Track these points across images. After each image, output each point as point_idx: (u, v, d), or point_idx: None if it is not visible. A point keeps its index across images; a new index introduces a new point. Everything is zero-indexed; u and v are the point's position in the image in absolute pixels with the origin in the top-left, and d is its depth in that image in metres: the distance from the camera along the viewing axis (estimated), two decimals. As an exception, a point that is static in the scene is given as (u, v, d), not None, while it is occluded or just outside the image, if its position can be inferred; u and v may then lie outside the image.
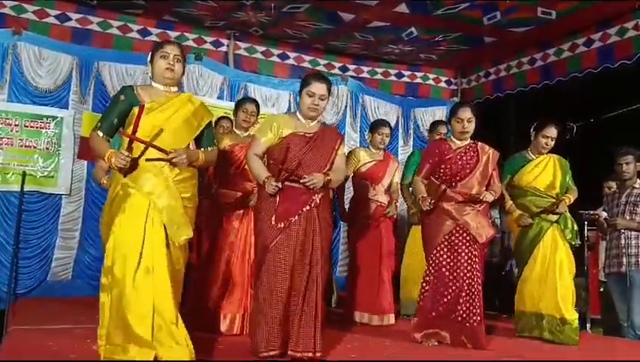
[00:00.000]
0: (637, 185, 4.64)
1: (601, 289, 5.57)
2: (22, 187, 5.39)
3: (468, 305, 3.89)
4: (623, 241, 4.56)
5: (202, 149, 3.12)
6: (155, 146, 2.83)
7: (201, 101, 3.20)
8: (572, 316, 4.22)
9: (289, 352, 3.18)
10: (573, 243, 4.38)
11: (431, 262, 3.97)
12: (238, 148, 4.22)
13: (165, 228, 2.85)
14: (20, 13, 5.69)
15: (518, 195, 4.47)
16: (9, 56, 5.55)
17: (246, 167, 4.09)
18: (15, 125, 5.53)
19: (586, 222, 5.69)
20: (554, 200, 4.34)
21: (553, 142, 4.44)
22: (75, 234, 5.73)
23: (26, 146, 5.57)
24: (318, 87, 3.36)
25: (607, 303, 4.93)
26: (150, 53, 3.09)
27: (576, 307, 5.19)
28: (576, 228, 4.42)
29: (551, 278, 4.27)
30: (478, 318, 3.88)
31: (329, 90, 3.42)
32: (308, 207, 3.27)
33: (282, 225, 3.23)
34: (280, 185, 3.23)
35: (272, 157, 3.35)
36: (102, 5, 5.95)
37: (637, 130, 5.57)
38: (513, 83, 6.93)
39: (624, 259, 4.53)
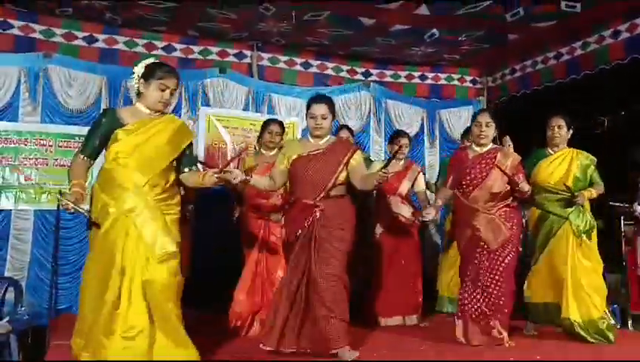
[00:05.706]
0: (670, 177, 4.53)
1: (641, 285, 5.42)
2: (58, 206, 5.48)
3: (489, 304, 4.01)
4: (660, 235, 4.45)
5: (186, 170, 3.18)
6: None
7: (182, 121, 3.26)
8: (596, 315, 4.14)
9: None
10: (584, 236, 4.22)
11: (461, 266, 4.20)
12: (264, 168, 4.35)
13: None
14: (50, 37, 5.85)
15: (536, 192, 4.41)
16: (40, 79, 5.71)
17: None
18: (49, 145, 5.70)
19: (622, 216, 5.55)
20: (568, 195, 4.25)
21: (562, 131, 4.41)
22: (110, 249, 5.83)
23: (60, 165, 5.71)
24: (317, 109, 3.69)
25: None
26: (143, 71, 3.11)
27: (616, 304, 5.04)
28: (593, 223, 4.26)
29: (562, 278, 4.20)
30: (499, 315, 3.99)
31: (330, 109, 3.71)
32: (310, 221, 3.58)
33: (291, 239, 3.68)
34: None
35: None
36: (127, 25, 6.09)
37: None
38: (539, 79, 6.78)
39: (662, 254, 4.41)
